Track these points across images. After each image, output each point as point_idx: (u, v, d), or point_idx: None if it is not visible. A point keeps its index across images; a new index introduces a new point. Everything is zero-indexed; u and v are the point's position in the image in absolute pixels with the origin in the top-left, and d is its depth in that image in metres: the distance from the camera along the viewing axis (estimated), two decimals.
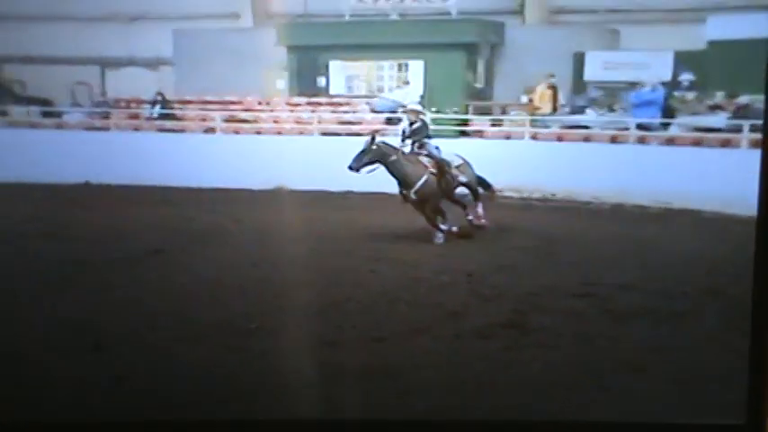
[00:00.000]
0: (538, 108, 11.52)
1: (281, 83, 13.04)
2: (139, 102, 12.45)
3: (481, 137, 10.99)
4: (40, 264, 6.00)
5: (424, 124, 7.45)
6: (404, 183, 7.04)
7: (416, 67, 12.80)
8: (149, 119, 11.88)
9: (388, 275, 6.01)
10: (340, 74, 13.38)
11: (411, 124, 7.40)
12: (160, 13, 14.62)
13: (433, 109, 11.55)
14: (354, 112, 11.66)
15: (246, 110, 11.96)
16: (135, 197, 9.73)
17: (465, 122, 11.57)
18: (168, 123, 11.74)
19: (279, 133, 11.33)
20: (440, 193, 7.16)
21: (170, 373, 3.79)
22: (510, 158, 9.72)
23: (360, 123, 10.79)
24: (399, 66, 13.20)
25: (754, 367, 1.67)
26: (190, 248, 6.80)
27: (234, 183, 10.07)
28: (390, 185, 7.27)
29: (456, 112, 11.74)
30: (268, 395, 3.50)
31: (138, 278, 5.66)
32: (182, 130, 11.67)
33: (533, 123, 10.95)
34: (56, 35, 14.88)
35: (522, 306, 5.19)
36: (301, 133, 11.20)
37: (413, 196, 7.03)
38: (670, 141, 10.22)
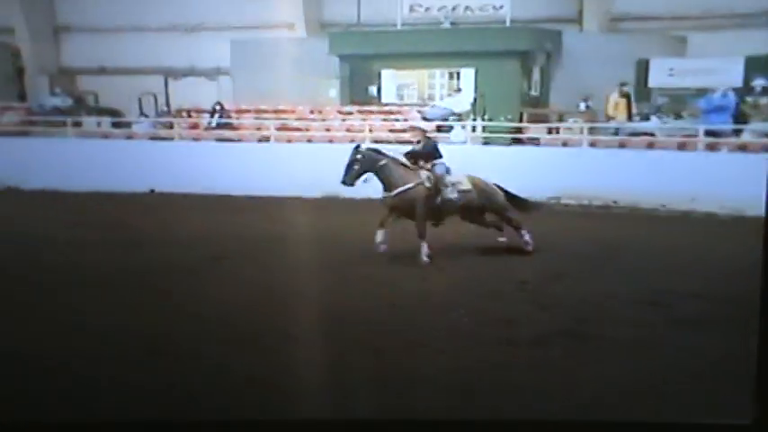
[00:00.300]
0: (612, 117, 11.15)
1: (333, 91, 13.20)
2: (199, 111, 12.93)
3: (536, 144, 10.70)
4: (112, 271, 6.23)
5: (429, 143, 6.85)
6: (387, 185, 6.57)
7: (468, 75, 12.67)
8: (208, 128, 12.31)
9: (440, 282, 5.89)
10: (391, 82, 13.43)
11: (418, 143, 6.85)
12: (218, 24, 15.21)
13: (485, 116, 11.38)
14: (405, 120, 11.60)
15: (299, 118, 12.14)
16: (195, 205, 10.06)
17: (519, 130, 11.34)
18: (226, 132, 12.10)
19: (330, 141, 11.41)
20: (424, 206, 6.54)
21: (226, 379, 3.81)
22: (567, 166, 9.39)
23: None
24: (451, 74, 13.11)
25: (761, 365, 1.48)
26: (246, 255, 6.91)
27: (288, 190, 10.22)
28: None
29: (510, 120, 11.51)
30: (317, 399, 3.46)
31: (198, 285, 5.79)
32: (239, 140, 12.01)
33: (593, 131, 10.60)
34: (124, 47, 15.74)
35: (578, 314, 4.96)
36: (352, 141, 11.21)
37: (392, 198, 6.53)
38: (742, 148, 9.61)
